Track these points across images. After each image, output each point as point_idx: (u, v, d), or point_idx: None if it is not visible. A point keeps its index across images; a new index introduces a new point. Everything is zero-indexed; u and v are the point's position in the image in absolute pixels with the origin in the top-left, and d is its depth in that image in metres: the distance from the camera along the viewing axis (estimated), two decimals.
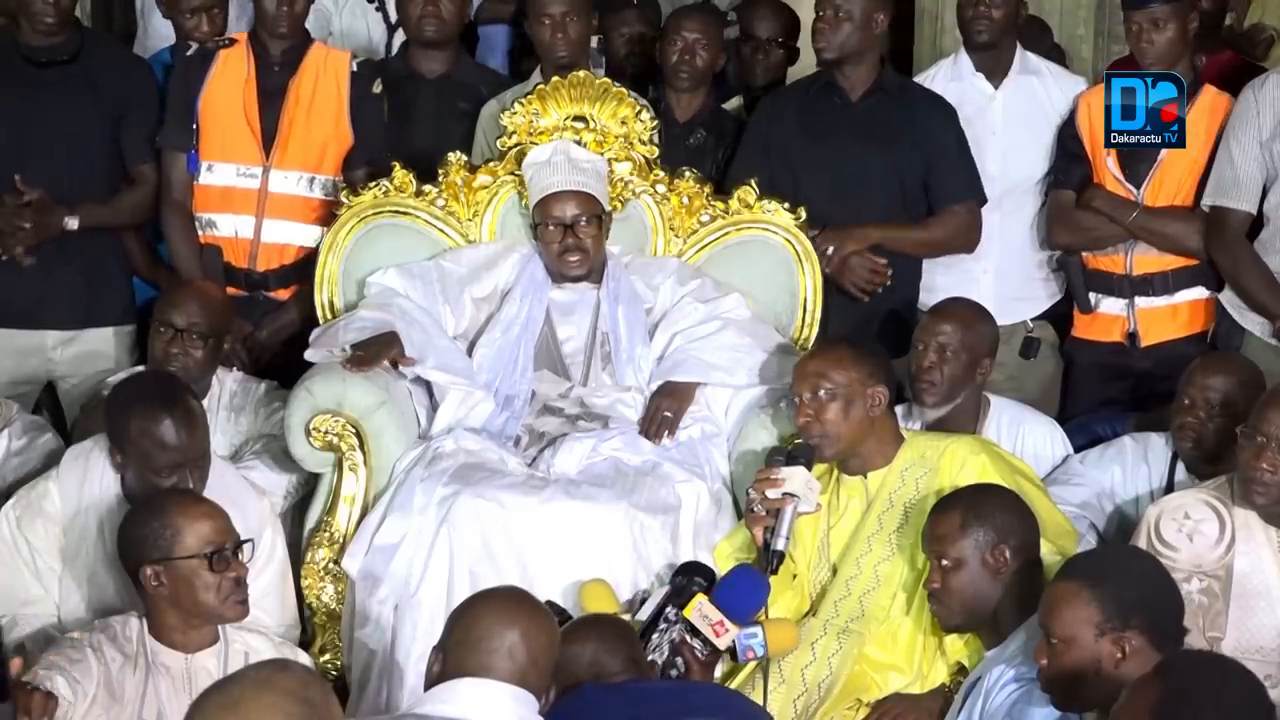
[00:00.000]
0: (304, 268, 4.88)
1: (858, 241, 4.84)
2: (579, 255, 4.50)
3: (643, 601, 3.87)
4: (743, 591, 3.75)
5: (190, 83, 4.90)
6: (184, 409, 3.87)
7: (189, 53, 4.99)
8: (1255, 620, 3.77)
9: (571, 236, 4.49)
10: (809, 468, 3.91)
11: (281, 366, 4.75)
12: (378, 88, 4.94)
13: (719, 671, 3.81)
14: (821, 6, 4.86)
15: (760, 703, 3.65)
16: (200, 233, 4.91)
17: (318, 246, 4.84)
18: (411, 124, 5.12)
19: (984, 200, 4.97)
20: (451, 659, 2.89)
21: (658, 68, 5.37)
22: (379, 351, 4.33)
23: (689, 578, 3.83)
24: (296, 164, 4.87)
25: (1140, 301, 4.89)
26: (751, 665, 3.77)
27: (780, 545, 3.83)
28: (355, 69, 4.92)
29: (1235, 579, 3.77)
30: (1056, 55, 5.70)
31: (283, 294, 4.93)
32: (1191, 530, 3.82)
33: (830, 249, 4.79)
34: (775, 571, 3.83)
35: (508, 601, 2.97)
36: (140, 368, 4.65)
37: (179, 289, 4.63)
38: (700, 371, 4.40)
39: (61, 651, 3.46)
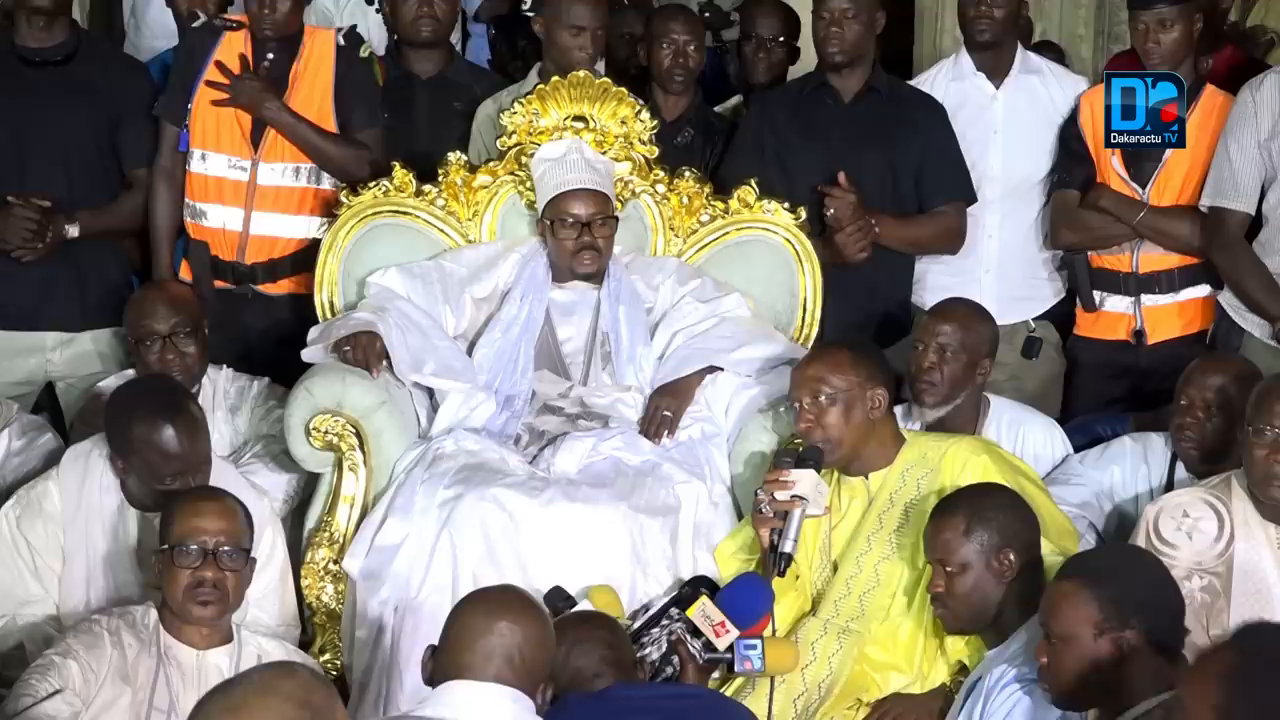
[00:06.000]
0: (292, 261, 4.89)
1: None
2: (593, 254, 4.50)
3: (647, 610, 3.87)
4: (748, 596, 3.72)
5: (195, 59, 4.89)
6: (186, 416, 3.88)
7: (196, 24, 5.00)
8: (1258, 617, 3.77)
9: (587, 235, 4.49)
10: (818, 470, 3.90)
11: (277, 365, 4.74)
12: (365, 51, 4.94)
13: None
14: (826, 9, 4.87)
15: (764, 708, 3.64)
16: (189, 221, 4.91)
17: (306, 241, 4.85)
18: (407, 124, 5.11)
19: (972, 200, 4.98)
20: (438, 658, 2.94)
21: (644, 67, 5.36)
22: (370, 352, 4.32)
23: (695, 587, 3.83)
24: (283, 155, 4.86)
25: (1146, 299, 4.89)
26: (745, 667, 3.75)
27: (788, 548, 3.81)
28: (341, 42, 4.91)
29: (1236, 576, 3.78)
30: (1055, 54, 5.70)
31: (271, 287, 4.92)
32: (1190, 528, 3.82)
33: (833, 210, 4.80)
34: (783, 574, 3.82)
35: (489, 602, 2.99)
36: (132, 371, 4.62)
37: (144, 298, 4.59)
38: (709, 358, 4.39)
39: (79, 636, 3.52)
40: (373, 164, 4.86)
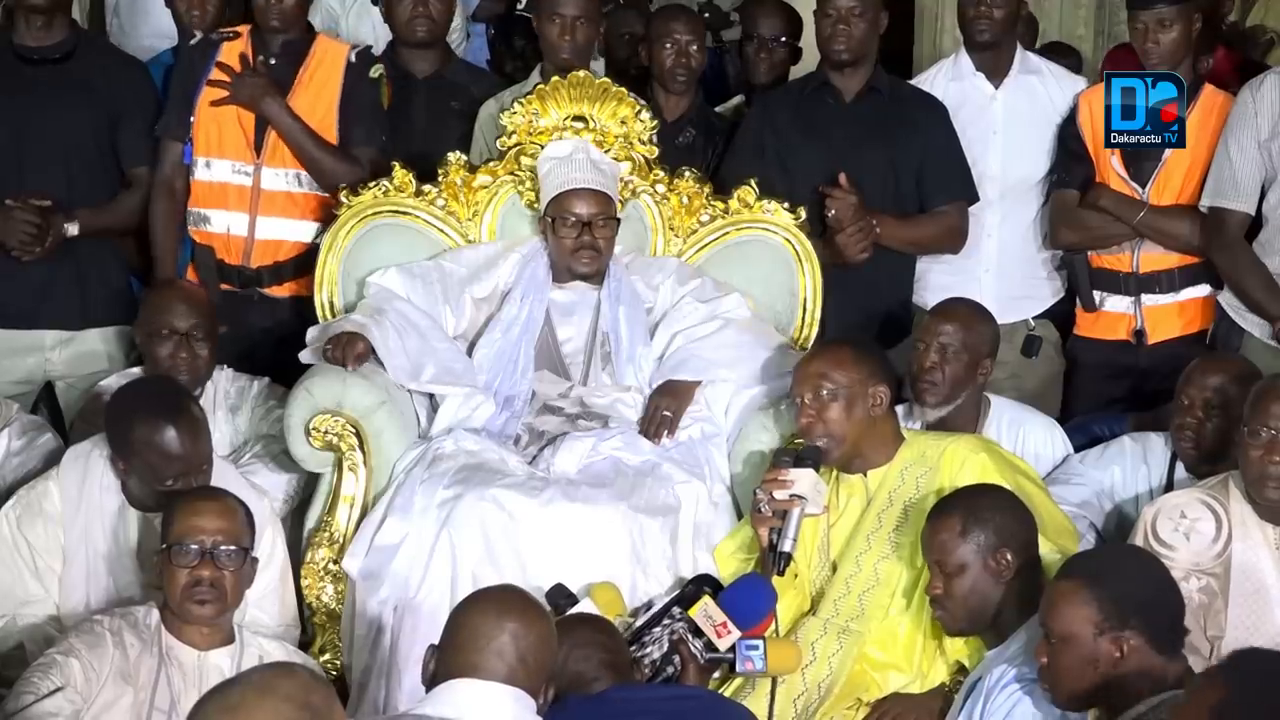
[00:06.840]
0: (296, 264, 4.88)
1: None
2: (591, 254, 4.50)
3: (649, 608, 3.87)
4: (750, 597, 3.72)
5: (193, 74, 4.89)
6: (188, 417, 3.89)
7: (192, 41, 4.99)
8: (1255, 618, 3.78)
9: (588, 234, 4.49)
10: (817, 469, 3.90)
11: (279, 365, 4.74)
12: (375, 73, 4.93)
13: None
14: (833, 7, 4.87)
15: (764, 709, 3.64)
16: (193, 228, 4.91)
17: (310, 243, 4.84)
18: (404, 124, 5.11)
19: (974, 200, 4.98)
20: (443, 658, 2.92)
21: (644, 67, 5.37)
22: (350, 350, 4.30)
23: (699, 585, 3.83)
24: (285, 162, 4.86)
25: (1146, 299, 4.90)
26: (747, 667, 3.75)
27: (787, 547, 3.82)
28: (353, 59, 4.91)
29: (1234, 577, 3.78)
30: (1073, 59, 5.70)
31: (277, 290, 4.92)
32: (1188, 529, 3.83)
33: (834, 211, 4.80)
34: (782, 573, 3.82)
35: (496, 602, 2.98)
36: (134, 370, 4.63)
37: (165, 294, 4.58)
38: (702, 369, 4.40)
39: (81, 635, 3.53)
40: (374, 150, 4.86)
